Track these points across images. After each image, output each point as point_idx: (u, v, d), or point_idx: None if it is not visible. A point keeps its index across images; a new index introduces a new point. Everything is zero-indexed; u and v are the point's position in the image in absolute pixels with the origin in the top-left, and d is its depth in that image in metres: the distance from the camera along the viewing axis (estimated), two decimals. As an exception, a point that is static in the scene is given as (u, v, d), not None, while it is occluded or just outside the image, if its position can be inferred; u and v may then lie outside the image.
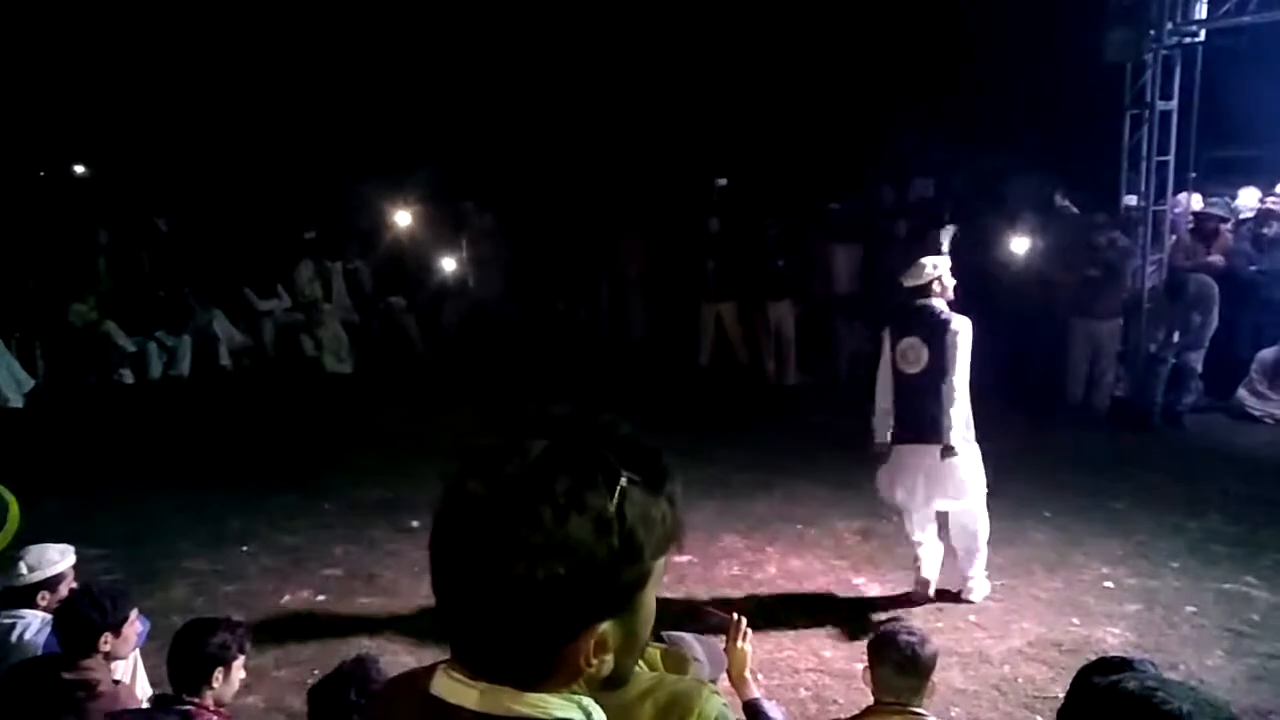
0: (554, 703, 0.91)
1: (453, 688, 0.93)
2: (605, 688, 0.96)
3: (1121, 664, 2.72)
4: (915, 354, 4.81)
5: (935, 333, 4.76)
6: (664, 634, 2.41)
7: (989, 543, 4.95)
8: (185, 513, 6.09)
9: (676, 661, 1.28)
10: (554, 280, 10.71)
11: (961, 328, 4.76)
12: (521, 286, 10.77)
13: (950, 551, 4.95)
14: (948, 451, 4.69)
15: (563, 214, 10.92)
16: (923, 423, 4.77)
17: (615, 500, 0.89)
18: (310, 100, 13.31)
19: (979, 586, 4.89)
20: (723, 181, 10.69)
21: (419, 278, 10.57)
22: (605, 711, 0.97)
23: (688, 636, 2.50)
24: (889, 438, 4.96)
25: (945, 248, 5.28)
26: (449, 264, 10.56)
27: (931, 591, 4.89)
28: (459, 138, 13.29)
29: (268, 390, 9.55)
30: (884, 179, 10.87)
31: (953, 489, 4.78)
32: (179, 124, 13.36)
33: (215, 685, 2.70)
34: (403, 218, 11.00)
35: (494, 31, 13.77)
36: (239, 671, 2.81)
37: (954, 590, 4.89)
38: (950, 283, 4.91)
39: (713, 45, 13.34)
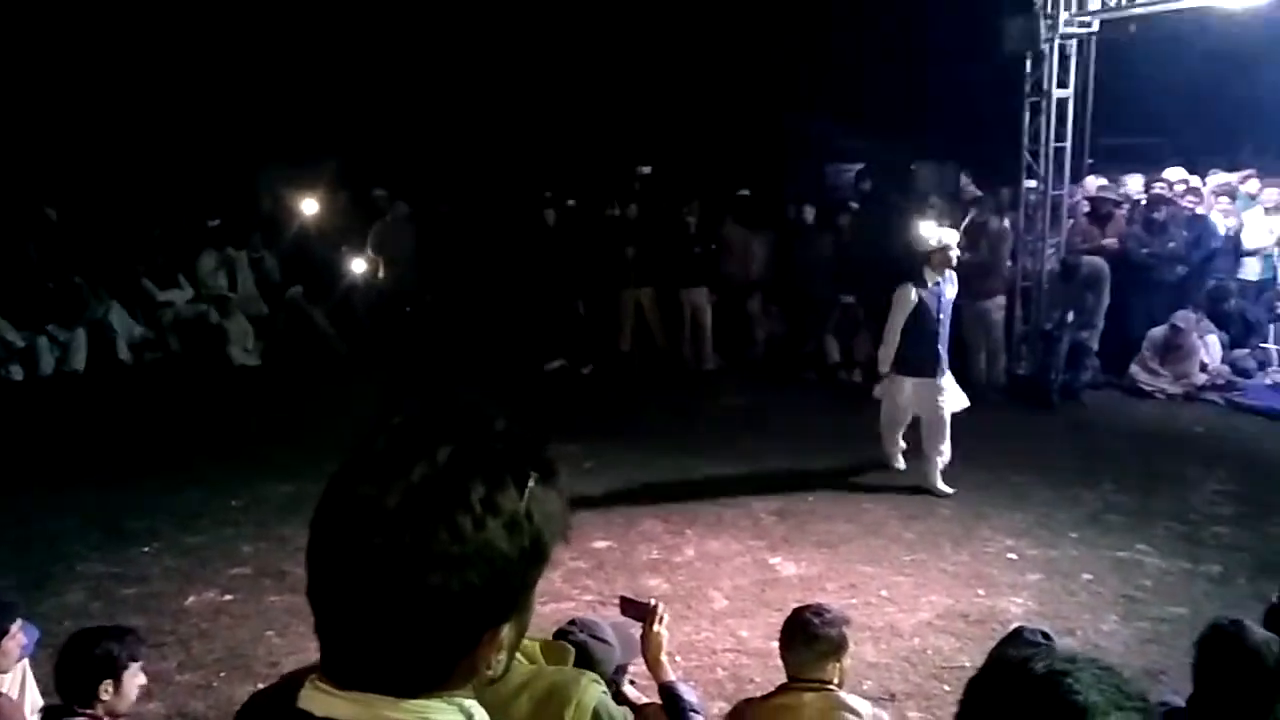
0: (434, 707, 0.87)
1: (324, 701, 0.87)
2: (484, 683, 0.93)
3: (1034, 641, 2.82)
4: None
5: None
6: (576, 619, 2.40)
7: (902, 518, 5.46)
8: (80, 514, 5.81)
9: (557, 653, 1.26)
10: (469, 269, 10.54)
11: (897, 294, 6.06)
12: (435, 276, 10.57)
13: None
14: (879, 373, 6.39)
15: (476, 202, 10.75)
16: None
17: (525, 501, 0.87)
18: (213, 82, 12.77)
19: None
20: (646, 169, 10.69)
21: (329, 267, 10.27)
22: (483, 707, 0.95)
23: (599, 620, 2.49)
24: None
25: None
26: (360, 253, 10.30)
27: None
28: (370, 124, 12.96)
29: (170, 384, 9.18)
30: (793, 166, 11.01)
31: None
32: (69, 106, 12.66)
33: (106, 696, 2.58)
34: (310, 206, 10.67)
35: (408, 17, 13.45)
36: (134, 679, 2.69)
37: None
38: (954, 254, 6.02)
39: (630, 34, 13.30)
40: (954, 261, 6.04)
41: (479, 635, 0.87)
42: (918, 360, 6.10)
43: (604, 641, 2.29)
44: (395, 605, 0.83)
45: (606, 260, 9.52)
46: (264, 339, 10.00)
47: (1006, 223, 8.78)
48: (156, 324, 9.90)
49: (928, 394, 6.14)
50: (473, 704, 0.91)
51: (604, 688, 1.18)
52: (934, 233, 6.18)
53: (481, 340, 9.63)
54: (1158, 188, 9.12)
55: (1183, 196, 9.21)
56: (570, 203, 10.13)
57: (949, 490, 6.07)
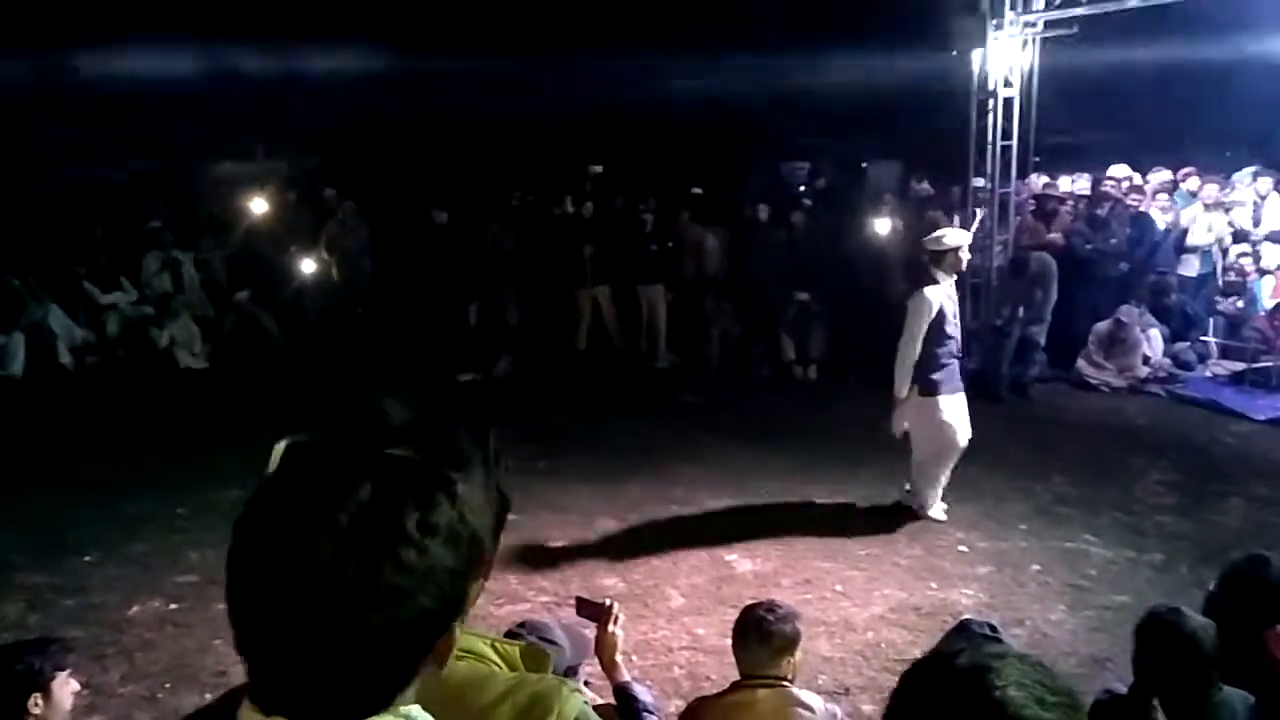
0: None
1: None
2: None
3: (979, 634, 2.85)
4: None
5: (909, 298, 5.48)
6: (526, 621, 2.38)
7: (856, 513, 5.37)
8: (17, 523, 5.64)
9: (537, 659, 1.26)
10: (421, 270, 10.42)
11: (914, 301, 5.42)
12: (387, 276, 10.44)
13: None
14: (895, 398, 5.53)
15: (430, 202, 10.65)
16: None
17: (457, 509, 0.85)
18: (157, 79, 12.46)
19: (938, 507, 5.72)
20: (598, 169, 10.68)
21: (277, 268, 10.09)
22: (465, 714, 0.93)
23: (550, 622, 2.47)
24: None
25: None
26: (309, 254, 10.12)
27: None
28: (319, 124, 12.77)
29: (114, 388, 8.94)
30: (748, 164, 11.07)
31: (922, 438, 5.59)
32: (8, 105, 12.28)
33: (36, 710, 2.50)
34: (258, 205, 10.47)
35: (361, 14, 13.26)
36: (65, 689, 2.61)
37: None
38: (965, 257, 5.55)
39: (582, 33, 13.26)
40: (965, 264, 5.62)
41: (431, 645, 0.86)
42: (951, 373, 5.50)
43: (551, 643, 2.27)
44: (342, 648, 0.80)
45: (562, 259, 9.48)
46: (211, 342, 9.80)
47: (956, 221, 8.92)
48: (99, 327, 9.64)
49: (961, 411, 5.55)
50: (417, 711, 0.89)
51: (586, 697, 1.18)
52: (947, 233, 5.65)
53: (430, 341, 9.52)
54: (1108, 185, 9.33)
55: (1126, 194, 9.42)
56: (520, 200, 10.08)
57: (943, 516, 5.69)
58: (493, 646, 1.26)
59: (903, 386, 5.49)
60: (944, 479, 5.65)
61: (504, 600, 4.70)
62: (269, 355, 9.69)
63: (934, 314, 5.37)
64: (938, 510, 5.67)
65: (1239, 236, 9.31)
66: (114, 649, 4.29)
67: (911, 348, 5.40)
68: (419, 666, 0.86)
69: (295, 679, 0.82)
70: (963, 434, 5.52)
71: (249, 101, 12.48)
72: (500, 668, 1.27)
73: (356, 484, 0.82)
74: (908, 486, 5.78)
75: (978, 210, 8.47)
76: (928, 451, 5.59)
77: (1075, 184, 10.05)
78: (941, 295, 5.42)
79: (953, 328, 5.47)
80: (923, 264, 5.60)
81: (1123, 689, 2.85)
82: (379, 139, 12.69)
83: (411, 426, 0.91)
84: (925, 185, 10.21)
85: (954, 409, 5.50)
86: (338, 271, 10.13)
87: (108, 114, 12.28)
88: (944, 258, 5.43)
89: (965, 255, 5.54)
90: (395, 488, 0.83)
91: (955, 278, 5.58)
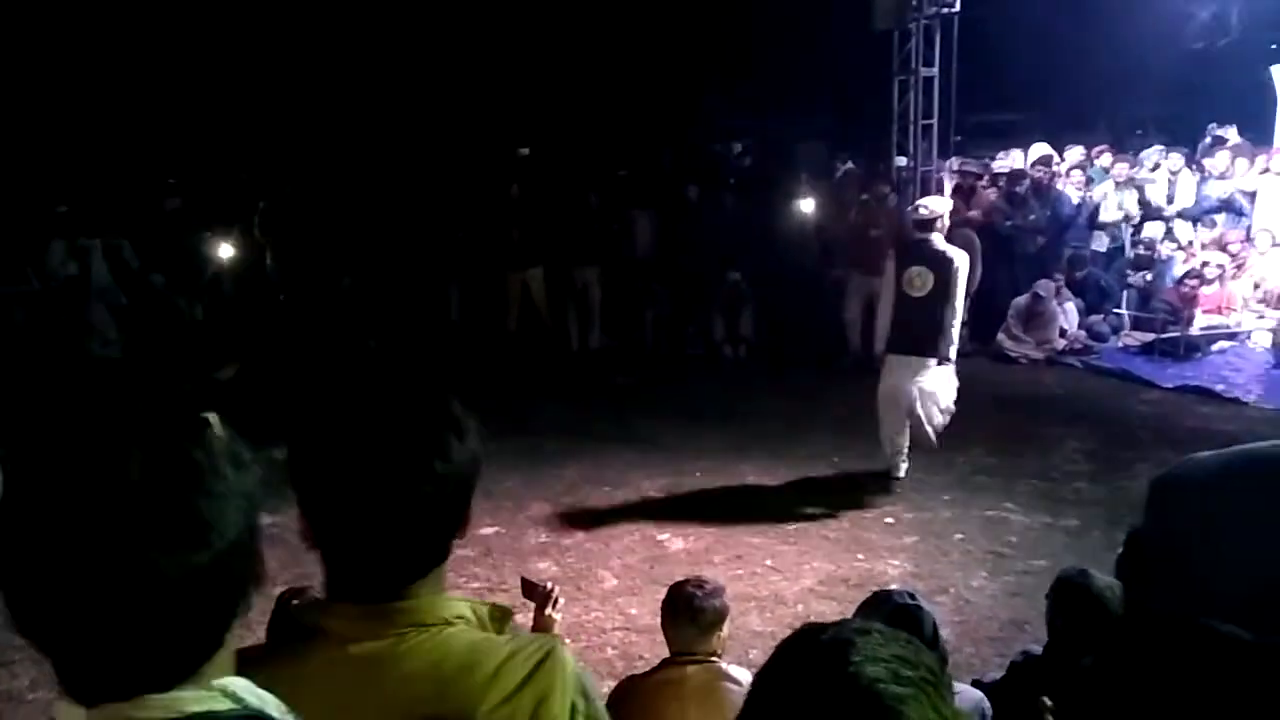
0: (187, 698, 0.84)
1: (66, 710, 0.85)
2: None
3: (892, 601, 2.91)
4: (922, 280, 5.67)
5: (939, 264, 5.59)
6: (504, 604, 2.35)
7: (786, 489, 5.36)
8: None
9: (503, 614, 1.27)
10: (347, 255, 10.19)
11: (961, 262, 5.62)
12: (317, 262, 10.19)
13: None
14: (944, 361, 5.66)
15: (359, 187, 10.41)
16: (920, 338, 5.68)
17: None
18: (64, 54, 11.89)
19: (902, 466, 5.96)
20: (525, 151, 10.56)
21: (194, 253, 9.75)
22: (481, 677, 1.06)
23: (514, 612, 2.44)
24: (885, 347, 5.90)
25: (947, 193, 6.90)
26: (233, 239, 9.81)
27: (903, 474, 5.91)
28: (243, 105, 12.36)
29: (18, 381, 8.55)
30: (677, 144, 11.06)
31: (941, 396, 5.73)
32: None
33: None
34: (177, 190, 10.10)
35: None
36: None
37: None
38: (946, 222, 5.81)
39: (515, 18, 13.07)
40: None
41: (234, 612, 0.88)
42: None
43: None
44: (139, 610, 0.81)
45: (490, 241, 9.36)
46: (125, 331, 9.43)
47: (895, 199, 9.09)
48: (3, 318, 9.19)
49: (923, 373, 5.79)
50: (242, 685, 0.88)
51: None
52: (930, 201, 6.03)
53: (354, 325, 9.34)
54: (1037, 166, 9.53)
55: (1051, 175, 9.69)
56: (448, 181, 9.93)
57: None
58: (472, 608, 1.26)
59: (954, 346, 5.77)
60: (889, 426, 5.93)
61: (435, 588, 4.65)
62: (187, 344, 9.37)
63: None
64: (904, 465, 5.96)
65: (1151, 213, 9.64)
66: (23, 655, 4.11)
67: (962, 307, 5.74)
68: (224, 633, 0.88)
69: (99, 651, 0.82)
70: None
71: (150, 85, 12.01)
72: (475, 624, 1.27)
73: (130, 452, 0.84)
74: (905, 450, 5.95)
75: (858, 187, 8.63)
76: (950, 402, 5.87)
77: (1007, 160, 10.23)
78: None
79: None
80: (923, 234, 5.73)
81: (1039, 650, 2.95)
82: (292, 120, 12.33)
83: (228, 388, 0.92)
84: (851, 166, 10.34)
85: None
86: (271, 256, 9.86)
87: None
88: (933, 224, 5.70)
89: (946, 220, 5.87)
90: (157, 454, 0.85)
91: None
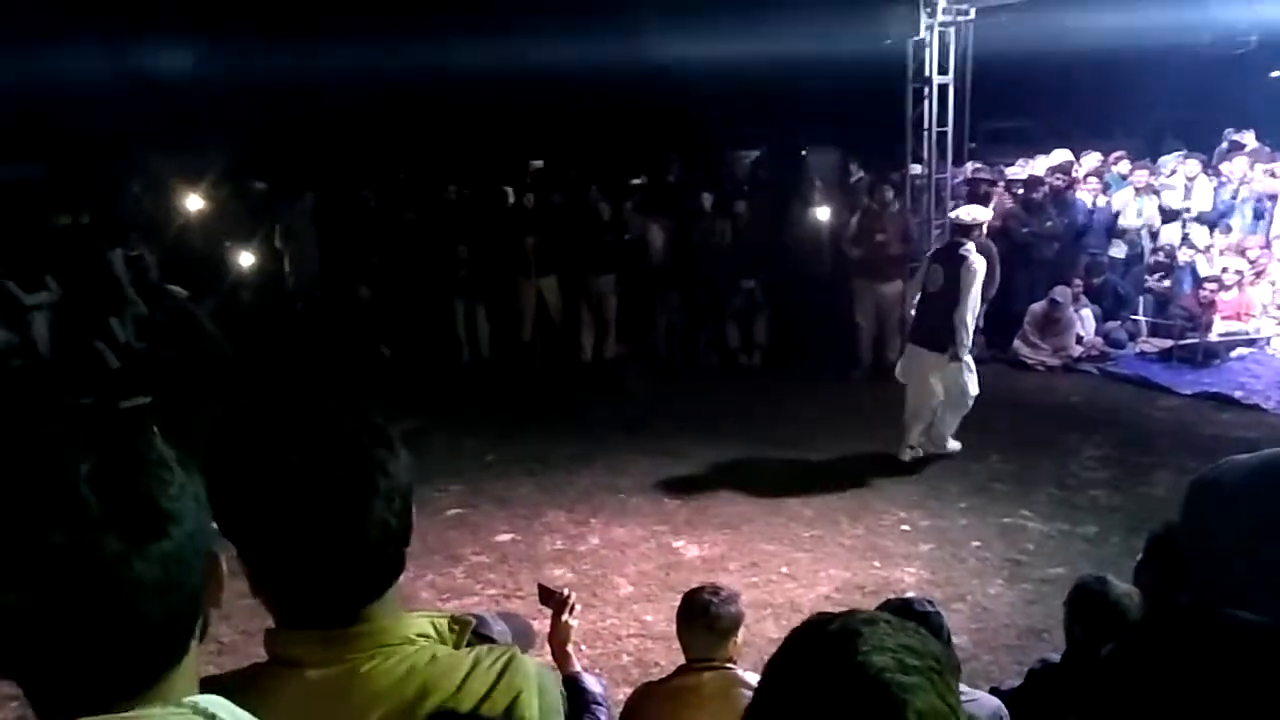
0: (155, 715, 0.83)
1: None
2: None
3: (912, 609, 2.91)
4: (935, 277, 6.01)
5: (954, 261, 5.90)
6: (464, 615, 2.36)
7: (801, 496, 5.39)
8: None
9: (461, 628, 1.28)
10: (361, 266, 10.26)
11: (977, 263, 5.87)
12: (331, 273, 10.27)
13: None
14: (954, 358, 5.93)
15: (373, 198, 10.48)
16: (933, 331, 6.01)
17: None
18: (84, 67, 12.04)
19: (952, 444, 6.37)
20: (538, 163, 10.62)
21: (212, 263, 9.85)
22: (444, 695, 1.06)
23: (486, 615, 2.45)
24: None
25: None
26: (250, 249, 9.90)
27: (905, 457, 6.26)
28: (260, 115, 12.47)
29: (39, 391, 8.64)
30: (690, 153, 11.08)
31: (956, 391, 6.09)
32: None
33: None
34: (194, 201, 10.20)
35: (304, 4, 12.97)
36: None
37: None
38: (985, 231, 6.17)
39: (525, 25, 13.15)
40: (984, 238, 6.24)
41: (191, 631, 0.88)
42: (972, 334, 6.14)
43: (486, 637, 2.25)
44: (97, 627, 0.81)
45: (505, 250, 9.40)
46: (144, 341, 9.51)
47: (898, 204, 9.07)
48: (24, 328, 9.30)
49: (948, 368, 6.10)
50: (216, 701, 0.87)
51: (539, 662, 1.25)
52: (970, 209, 6.38)
53: (376, 336, 9.39)
54: (1055, 172, 9.51)
55: (1069, 182, 9.65)
56: (457, 193, 10.00)
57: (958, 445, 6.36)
58: (432, 624, 1.27)
59: (968, 343, 6.02)
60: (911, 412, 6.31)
61: (449, 595, 4.68)
62: (205, 354, 9.45)
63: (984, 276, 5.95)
64: (954, 443, 6.36)
65: (1169, 217, 9.59)
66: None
67: (978, 306, 6.01)
68: (188, 636, 0.88)
69: (63, 657, 0.82)
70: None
71: (167, 96, 12.13)
72: (438, 640, 1.27)
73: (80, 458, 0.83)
74: (917, 443, 6.32)
75: (865, 194, 8.74)
76: (964, 395, 6.21)
77: (1026, 167, 10.21)
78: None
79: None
80: (958, 238, 6.09)
81: (1057, 658, 2.94)
82: (310, 133, 12.44)
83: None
84: (863, 174, 10.32)
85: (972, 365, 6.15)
86: (290, 265, 9.94)
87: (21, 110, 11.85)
88: (970, 230, 6.00)
89: (985, 230, 6.21)
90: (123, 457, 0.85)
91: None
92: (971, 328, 6.00)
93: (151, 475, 0.84)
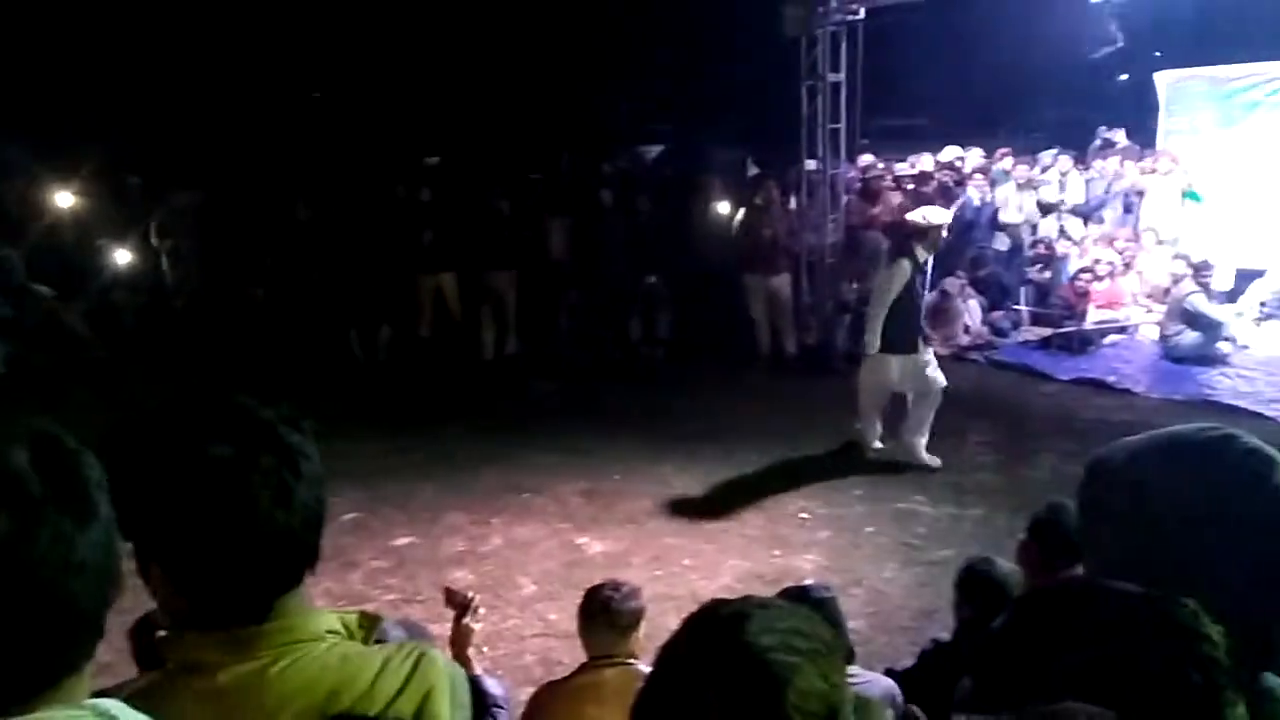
0: (59, 717, 0.81)
1: None
2: None
3: (808, 596, 2.96)
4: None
5: (878, 265, 6.09)
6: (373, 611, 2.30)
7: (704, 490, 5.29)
8: None
9: (370, 624, 1.25)
10: (253, 265, 9.86)
11: (894, 268, 6.01)
12: (218, 273, 9.84)
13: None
14: (864, 355, 6.23)
15: (262, 195, 10.09)
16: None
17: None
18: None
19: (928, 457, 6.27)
20: (434, 160, 10.41)
21: (86, 264, 9.30)
22: (358, 691, 1.05)
23: (384, 622, 2.39)
24: None
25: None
26: (125, 249, 9.40)
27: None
28: (139, 108, 11.84)
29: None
30: (590, 150, 11.06)
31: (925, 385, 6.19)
32: None
33: None
34: (64, 198, 9.61)
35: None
36: None
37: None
38: (944, 234, 6.23)
39: (424, 25, 12.87)
40: (942, 241, 6.25)
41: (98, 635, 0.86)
42: (905, 337, 6.05)
43: (380, 642, 2.19)
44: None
45: (400, 245, 9.18)
46: (8, 343, 8.91)
47: (793, 203, 9.25)
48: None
49: (914, 369, 6.13)
50: (114, 706, 0.85)
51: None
52: (928, 211, 6.28)
53: (264, 334, 9.05)
54: (944, 168, 9.85)
55: (963, 176, 10.03)
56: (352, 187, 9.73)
57: (937, 462, 6.12)
58: (341, 620, 1.23)
59: (873, 344, 6.10)
60: (874, 424, 6.46)
61: (346, 601, 4.53)
62: (76, 357, 8.92)
63: (906, 281, 5.95)
64: (924, 456, 6.21)
65: (1046, 210, 10.09)
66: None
67: (881, 311, 6.00)
68: (96, 635, 0.86)
69: None
70: (887, 390, 6.34)
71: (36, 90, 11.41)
72: (346, 635, 1.25)
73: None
74: (880, 442, 6.44)
75: (757, 190, 8.85)
76: (864, 399, 6.36)
77: (917, 163, 10.55)
78: (913, 267, 6.01)
79: (920, 296, 6.15)
80: (904, 239, 6.17)
81: (948, 637, 3.04)
82: (196, 128, 11.90)
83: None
84: (759, 170, 10.50)
85: (892, 367, 6.17)
86: (169, 264, 9.47)
87: None
88: (926, 234, 5.98)
89: (944, 233, 6.24)
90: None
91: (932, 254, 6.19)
92: (877, 327, 6.08)
93: (81, 459, 0.86)
